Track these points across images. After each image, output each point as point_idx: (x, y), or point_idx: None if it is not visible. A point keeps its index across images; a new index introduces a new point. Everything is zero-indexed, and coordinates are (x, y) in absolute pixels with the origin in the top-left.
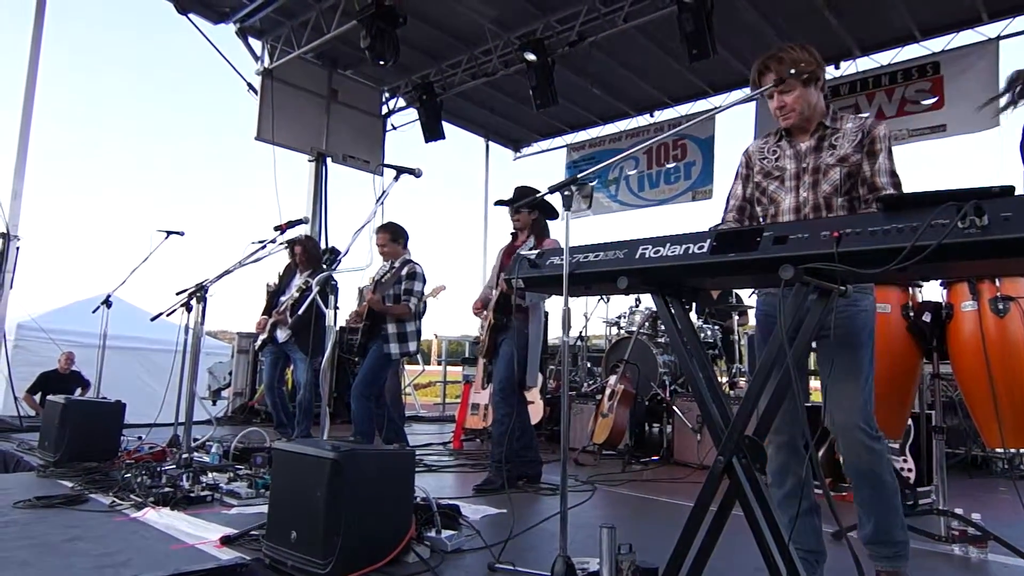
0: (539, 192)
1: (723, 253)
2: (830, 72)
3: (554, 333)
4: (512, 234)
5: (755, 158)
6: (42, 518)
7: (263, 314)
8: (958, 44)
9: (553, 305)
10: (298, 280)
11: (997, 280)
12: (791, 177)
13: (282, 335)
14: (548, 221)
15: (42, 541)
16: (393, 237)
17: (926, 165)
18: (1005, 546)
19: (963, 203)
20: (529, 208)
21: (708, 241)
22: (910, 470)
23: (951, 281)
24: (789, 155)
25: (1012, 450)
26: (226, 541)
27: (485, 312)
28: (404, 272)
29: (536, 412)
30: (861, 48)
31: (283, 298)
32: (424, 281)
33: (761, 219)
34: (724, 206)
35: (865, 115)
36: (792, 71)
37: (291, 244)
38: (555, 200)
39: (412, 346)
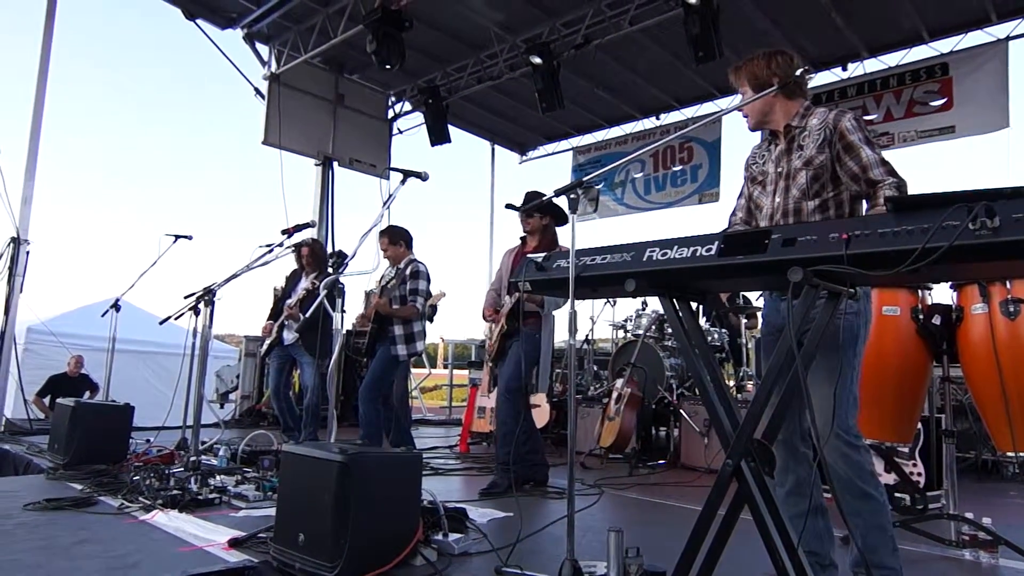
0: (546, 198)
1: (731, 255)
2: (837, 74)
3: (560, 336)
4: (521, 238)
5: (750, 163)
6: (51, 520)
7: (269, 319)
8: (967, 45)
9: (561, 307)
10: (304, 283)
11: (1008, 282)
12: (771, 182)
13: (289, 336)
14: (557, 228)
15: (51, 543)
16: (392, 240)
17: (934, 166)
18: (1016, 551)
19: (974, 204)
20: (541, 213)
21: (716, 243)
22: (920, 474)
23: (961, 284)
24: (772, 159)
25: (1023, 454)
26: (234, 543)
27: (496, 316)
28: (408, 272)
29: (543, 416)
30: (869, 49)
31: (289, 301)
32: (428, 280)
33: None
34: (734, 205)
35: (830, 110)
36: (748, 77)
37: (298, 247)
38: (564, 205)
39: (419, 346)
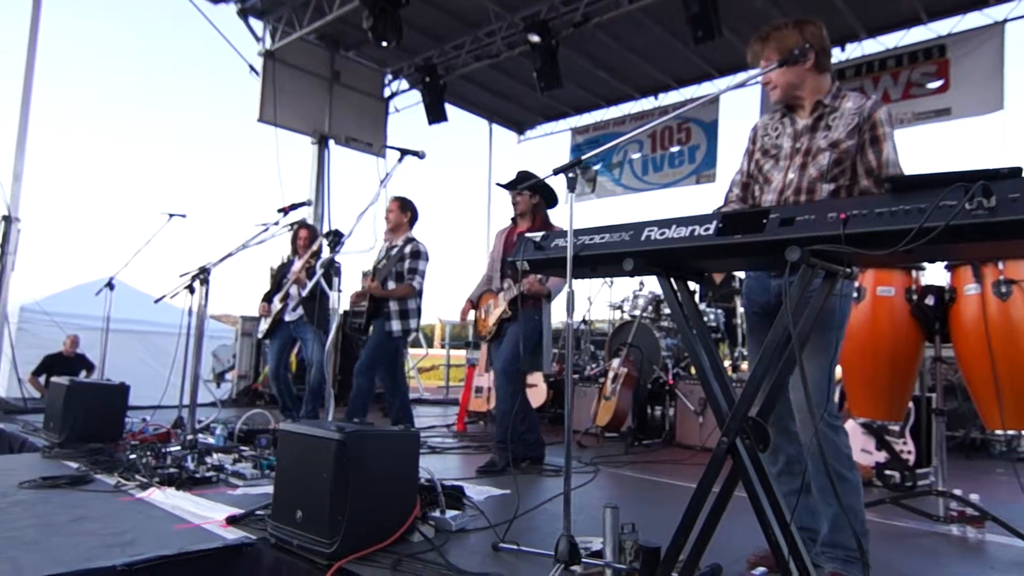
0: (535, 176)
1: (729, 235)
2: (836, 55)
3: (558, 317)
4: (512, 219)
5: (759, 134)
6: (48, 498)
7: (264, 300)
8: (964, 27)
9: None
10: (297, 265)
11: (1000, 263)
12: (785, 156)
13: (292, 314)
14: (549, 210)
15: (48, 520)
16: (402, 208)
17: (930, 148)
18: (1002, 526)
19: (971, 184)
20: (531, 192)
21: (714, 223)
22: (910, 452)
23: (954, 264)
24: (788, 133)
25: (1011, 432)
26: (232, 521)
27: (474, 312)
28: (408, 250)
29: (540, 395)
30: (867, 30)
31: (295, 267)
32: (427, 259)
33: (757, 199)
34: (732, 180)
35: (867, 97)
36: (779, 47)
37: (298, 227)
38: (557, 185)
39: (413, 323)
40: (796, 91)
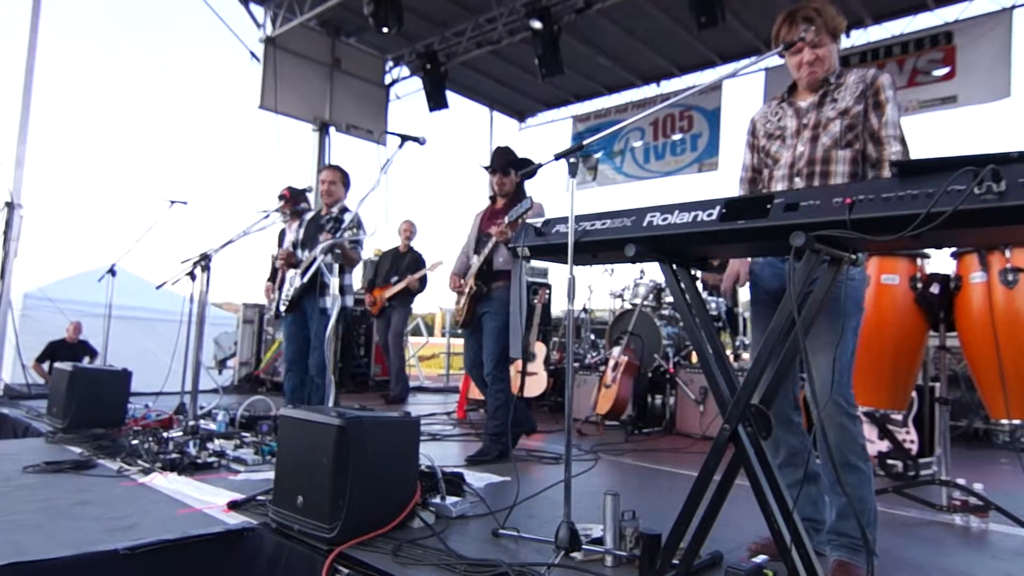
0: (517, 155)
1: (732, 220)
2: (840, 41)
3: (558, 305)
4: (491, 198)
5: (759, 124)
6: (51, 482)
7: (268, 280)
8: (972, 13)
9: (559, 276)
10: (290, 235)
11: (1007, 251)
12: (791, 135)
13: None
14: (527, 180)
15: (52, 504)
16: (343, 179)
17: (935, 137)
18: (1006, 515)
19: (980, 168)
20: (516, 171)
21: (717, 208)
22: (912, 441)
23: (960, 252)
24: (790, 114)
25: (1015, 421)
26: (233, 506)
27: (462, 283)
28: (347, 219)
29: (540, 383)
30: (873, 16)
31: (284, 247)
32: (365, 232)
33: (766, 181)
34: (742, 167)
35: (868, 68)
36: (829, 24)
37: (284, 191)
38: (557, 171)
39: (350, 301)
40: (832, 67)
